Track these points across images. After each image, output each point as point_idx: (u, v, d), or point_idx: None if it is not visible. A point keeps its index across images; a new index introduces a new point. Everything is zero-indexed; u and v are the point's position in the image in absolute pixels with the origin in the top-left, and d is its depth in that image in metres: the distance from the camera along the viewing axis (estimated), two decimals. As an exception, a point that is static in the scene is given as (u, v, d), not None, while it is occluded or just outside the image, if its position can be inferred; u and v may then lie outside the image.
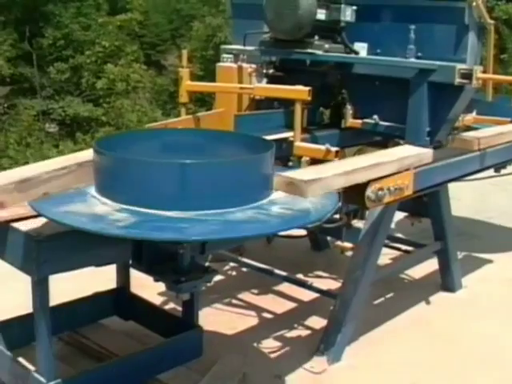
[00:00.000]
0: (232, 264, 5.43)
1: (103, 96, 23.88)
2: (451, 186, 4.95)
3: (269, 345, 4.33)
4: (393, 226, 4.74)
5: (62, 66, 24.24)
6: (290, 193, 3.09)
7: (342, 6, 4.63)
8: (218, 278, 5.05)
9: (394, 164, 3.77)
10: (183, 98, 4.74)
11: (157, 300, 4.59)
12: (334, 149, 4.12)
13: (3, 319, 3.78)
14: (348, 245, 4.40)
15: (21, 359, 3.55)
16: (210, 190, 2.79)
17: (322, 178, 3.23)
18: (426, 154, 4.04)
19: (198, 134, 3.70)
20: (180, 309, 4.10)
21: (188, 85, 4.73)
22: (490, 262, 5.94)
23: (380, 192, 3.59)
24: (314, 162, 4.23)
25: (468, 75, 4.26)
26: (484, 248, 6.21)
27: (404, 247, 5.43)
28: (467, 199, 7.27)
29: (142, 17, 27.64)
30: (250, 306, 4.87)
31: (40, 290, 3.12)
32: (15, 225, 3.14)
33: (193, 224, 2.69)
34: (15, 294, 3.88)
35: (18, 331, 3.71)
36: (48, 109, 23.79)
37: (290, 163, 4.30)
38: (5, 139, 21.04)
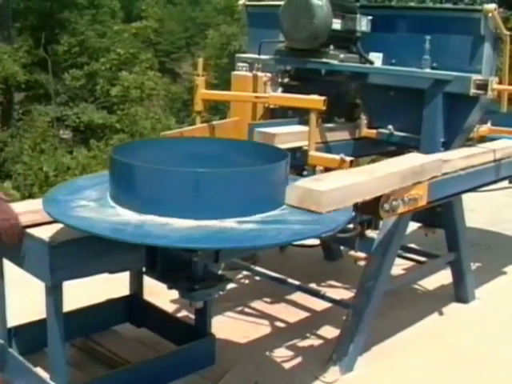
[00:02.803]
0: (245, 273, 5.43)
1: (117, 103, 23.92)
2: (466, 197, 4.93)
3: (281, 354, 4.32)
4: (406, 236, 4.73)
5: (76, 72, 24.31)
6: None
7: (358, 16, 4.65)
8: (230, 286, 5.04)
9: (490, 153, 4.52)
10: (198, 106, 4.76)
11: (169, 307, 4.60)
12: (348, 158, 4.12)
13: (17, 324, 3.79)
14: (361, 255, 4.38)
15: (33, 365, 3.55)
16: (224, 199, 2.81)
17: (451, 159, 4.07)
18: None
19: (214, 143, 3.71)
20: (193, 316, 4.10)
21: (203, 93, 4.75)
22: (504, 273, 5.92)
23: (394, 202, 3.59)
24: (328, 171, 4.23)
25: (483, 86, 4.25)
26: (498, 259, 6.19)
27: (417, 258, 5.40)
28: (482, 210, 7.25)
29: (156, 24, 27.72)
30: (262, 315, 4.87)
31: (53, 296, 3.14)
32: (30, 231, 3.16)
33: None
34: (29, 299, 3.89)
35: (31, 337, 3.73)
36: (62, 115, 23.84)
37: (305, 172, 4.29)
38: (19, 145, 21.10)
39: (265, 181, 2.97)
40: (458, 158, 4.23)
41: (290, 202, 3.03)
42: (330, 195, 3.05)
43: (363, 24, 4.68)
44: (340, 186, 3.18)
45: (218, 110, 19.74)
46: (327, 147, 4.65)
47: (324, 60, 4.64)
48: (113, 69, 24.33)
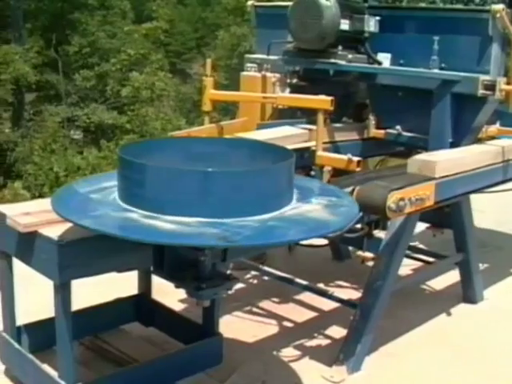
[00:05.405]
0: (253, 272, 5.44)
1: (128, 104, 23.98)
2: (474, 197, 4.93)
3: (289, 353, 4.33)
4: (414, 236, 4.71)
5: (87, 73, 24.39)
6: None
7: (366, 16, 4.66)
8: (239, 286, 5.07)
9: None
10: (206, 106, 4.78)
11: (178, 307, 4.62)
12: (355, 158, 4.12)
13: (26, 322, 3.82)
14: (369, 255, 4.38)
15: (42, 362, 3.57)
16: (230, 198, 2.82)
17: None
18: None
19: (221, 142, 3.72)
20: (201, 316, 4.11)
21: (211, 93, 4.77)
22: (512, 274, 5.91)
23: (401, 202, 3.59)
24: (336, 171, 4.24)
25: (491, 86, 4.25)
26: (507, 260, 6.18)
27: (425, 258, 5.40)
28: (490, 211, 7.22)
29: (167, 25, 27.79)
30: (270, 315, 4.88)
31: (62, 294, 3.16)
32: (39, 230, 3.18)
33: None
34: (38, 297, 3.92)
35: (39, 335, 3.75)
36: (73, 116, 23.93)
37: (312, 172, 4.30)
38: (30, 145, 21.19)
39: (274, 180, 2.99)
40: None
41: (412, 171, 4.03)
42: (440, 164, 3.98)
43: (371, 24, 4.69)
44: (448, 159, 4.15)
45: (228, 110, 19.75)
46: (335, 147, 4.66)
47: (332, 60, 4.65)
48: (123, 69, 24.41)
